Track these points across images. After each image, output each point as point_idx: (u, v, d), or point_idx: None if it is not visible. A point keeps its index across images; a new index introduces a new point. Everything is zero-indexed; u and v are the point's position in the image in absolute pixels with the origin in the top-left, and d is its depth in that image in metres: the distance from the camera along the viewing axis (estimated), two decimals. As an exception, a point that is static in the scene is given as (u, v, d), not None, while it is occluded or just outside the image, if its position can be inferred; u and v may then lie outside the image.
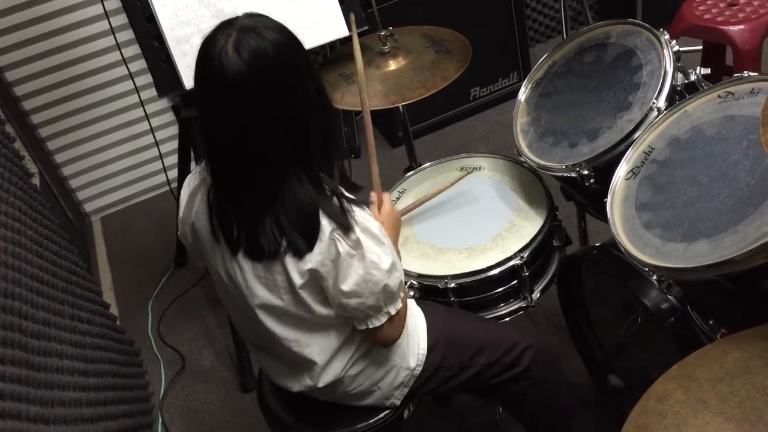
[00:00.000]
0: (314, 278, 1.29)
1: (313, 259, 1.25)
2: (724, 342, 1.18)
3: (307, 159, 1.25)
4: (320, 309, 1.34)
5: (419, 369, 1.53)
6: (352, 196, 1.31)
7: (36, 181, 2.62)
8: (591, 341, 1.96)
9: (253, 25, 1.17)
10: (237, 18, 1.20)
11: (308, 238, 1.25)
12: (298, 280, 1.28)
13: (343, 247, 1.25)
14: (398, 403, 1.54)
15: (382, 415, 1.54)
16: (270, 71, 1.17)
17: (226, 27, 1.18)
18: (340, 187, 1.32)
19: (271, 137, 1.21)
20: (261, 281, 1.31)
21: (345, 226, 1.25)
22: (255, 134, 1.20)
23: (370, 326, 1.35)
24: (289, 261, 1.26)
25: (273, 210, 1.24)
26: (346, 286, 1.28)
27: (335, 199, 1.27)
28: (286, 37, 1.20)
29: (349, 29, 1.82)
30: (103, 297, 2.50)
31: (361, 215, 1.28)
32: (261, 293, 1.32)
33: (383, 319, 1.35)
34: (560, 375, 1.72)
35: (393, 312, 1.36)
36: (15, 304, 1.61)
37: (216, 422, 2.38)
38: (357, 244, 1.26)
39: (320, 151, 1.29)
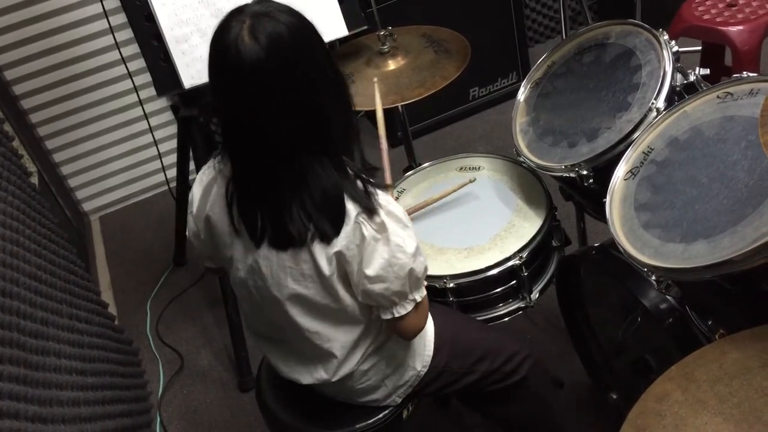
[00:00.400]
0: (340, 263, 1.28)
1: (339, 243, 1.24)
2: (723, 342, 1.18)
3: (328, 143, 1.24)
4: (346, 297, 1.33)
5: (424, 370, 1.53)
6: (374, 180, 1.30)
7: (35, 180, 2.62)
8: (590, 341, 1.96)
9: (265, 10, 1.16)
10: (247, 5, 1.18)
11: (335, 223, 1.24)
12: (325, 267, 1.27)
13: (368, 230, 1.24)
14: (399, 401, 1.54)
15: (381, 415, 1.54)
16: (287, 54, 1.16)
17: (237, 14, 1.16)
18: (362, 172, 1.31)
19: (291, 122, 1.19)
20: (287, 271, 1.29)
21: (370, 209, 1.24)
22: (275, 121, 1.19)
23: (396, 315, 1.33)
24: (317, 247, 1.25)
25: (299, 196, 1.23)
26: (371, 271, 1.26)
27: (359, 182, 1.26)
28: (299, 20, 1.18)
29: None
30: (102, 296, 2.49)
31: (384, 198, 1.27)
32: (288, 283, 1.31)
33: (409, 307, 1.34)
34: (551, 388, 1.74)
35: (419, 299, 1.34)
36: (13, 303, 1.61)
37: (214, 422, 2.38)
38: (382, 227, 1.25)
39: (341, 134, 1.27)
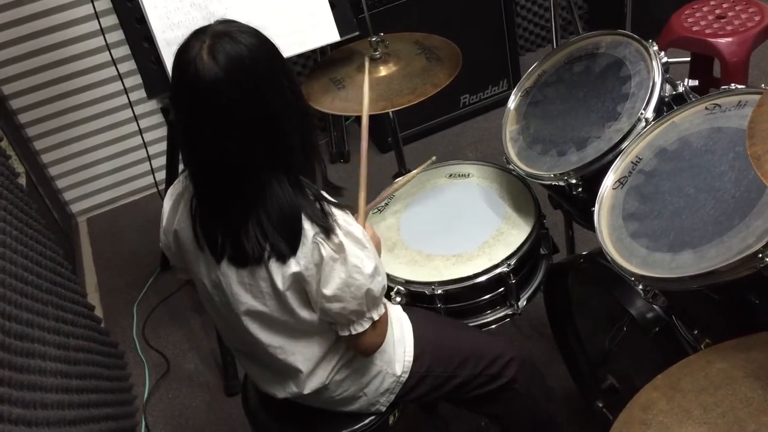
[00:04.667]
0: (298, 282, 1.28)
1: (297, 263, 1.25)
2: (709, 352, 1.19)
3: (286, 163, 1.25)
4: (304, 313, 1.33)
5: (405, 376, 1.53)
6: (334, 200, 1.31)
7: (22, 180, 2.60)
8: (576, 349, 1.96)
9: (227, 30, 1.18)
10: (210, 25, 1.20)
11: (291, 242, 1.24)
12: (281, 285, 1.28)
13: (326, 250, 1.25)
14: (384, 409, 1.54)
15: (367, 421, 1.54)
16: (246, 75, 1.17)
17: (199, 34, 1.18)
18: (322, 192, 1.32)
19: (250, 142, 1.20)
20: (245, 288, 1.31)
21: (327, 229, 1.25)
22: (233, 140, 1.19)
23: (353, 332, 1.34)
24: (273, 266, 1.26)
25: (255, 215, 1.24)
26: (328, 291, 1.27)
27: (317, 203, 1.27)
28: (260, 41, 1.20)
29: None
30: (88, 299, 2.48)
31: (343, 219, 1.28)
32: (246, 299, 1.32)
33: (366, 325, 1.35)
34: (543, 388, 1.73)
35: (376, 317, 1.36)
36: (-2, 305, 1.60)
37: (200, 426, 2.37)
38: (340, 248, 1.26)
39: (300, 154, 1.28)
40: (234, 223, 1.25)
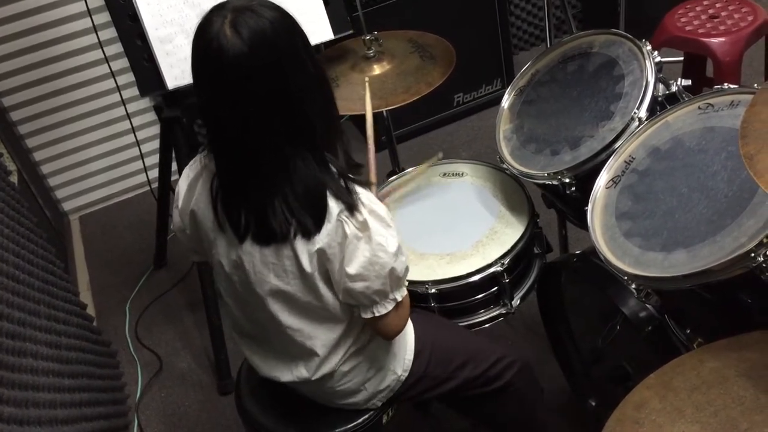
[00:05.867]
0: (321, 261, 1.27)
1: (321, 240, 1.24)
2: (701, 351, 1.19)
3: (310, 139, 1.24)
4: (328, 294, 1.33)
5: (405, 375, 1.53)
6: (357, 178, 1.30)
7: (14, 178, 2.59)
8: (569, 348, 1.97)
9: (247, 4, 1.16)
10: (229, 1, 1.18)
11: (317, 219, 1.24)
12: (307, 263, 1.27)
13: (350, 228, 1.24)
14: (380, 405, 1.54)
15: (361, 419, 1.53)
16: (269, 48, 1.15)
17: (219, 10, 1.16)
18: (345, 169, 1.31)
19: (273, 117, 1.19)
20: (269, 267, 1.29)
21: (352, 206, 1.24)
22: (257, 115, 1.18)
23: (377, 314, 1.33)
24: (299, 243, 1.25)
25: (281, 192, 1.23)
26: (352, 269, 1.26)
27: (342, 179, 1.26)
28: (282, 15, 1.18)
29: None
30: (80, 297, 2.47)
31: (367, 197, 1.27)
32: (270, 279, 1.30)
33: (389, 307, 1.33)
34: (537, 390, 1.74)
35: (399, 298, 1.34)
36: (-10, 304, 1.59)
37: (192, 425, 2.36)
38: (364, 226, 1.25)
39: (323, 131, 1.27)
40: (259, 200, 1.24)
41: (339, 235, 1.25)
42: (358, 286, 1.28)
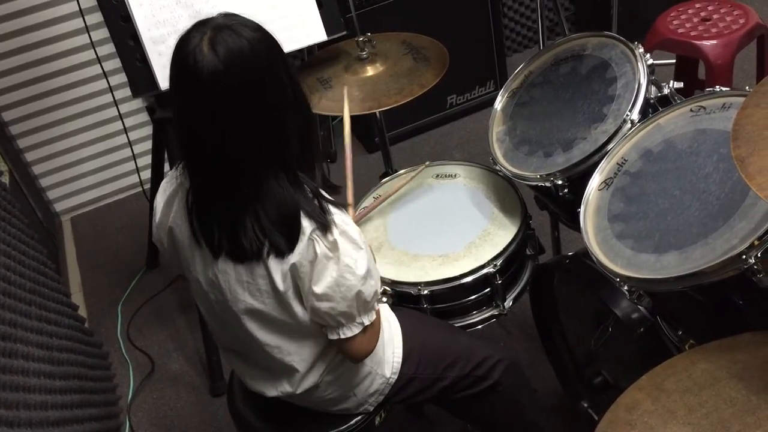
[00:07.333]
0: (294, 278, 1.27)
1: (293, 258, 1.24)
2: (693, 353, 1.20)
3: (285, 159, 1.24)
4: (302, 313, 1.32)
5: (394, 377, 1.53)
6: (332, 199, 1.30)
7: (5, 179, 2.58)
8: (562, 350, 1.97)
9: (229, 23, 1.16)
10: (212, 17, 1.18)
11: (289, 238, 1.23)
12: (280, 282, 1.27)
13: (320, 247, 1.24)
14: (371, 409, 1.54)
15: (353, 421, 1.53)
16: (246, 69, 1.16)
17: (200, 26, 1.17)
18: (320, 189, 1.31)
19: (248, 138, 1.19)
20: (243, 286, 1.29)
21: (324, 226, 1.24)
22: (231, 135, 1.18)
23: (342, 336, 1.33)
24: (272, 263, 1.25)
25: (253, 210, 1.23)
26: (318, 288, 1.26)
27: (315, 199, 1.27)
28: (262, 36, 1.18)
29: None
30: (72, 298, 2.46)
31: (341, 218, 1.27)
32: (244, 298, 1.31)
33: (356, 330, 1.33)
34: (528, 390, 1.74)
35: (367, 322, 1.34)
36: (-20, 305, 1.59)
37: (185, 427, 2.35)
38: (334, 246, 1.25)
39: (299, 151, 1.27)
40: (230, 217, 1.24)
41: (310, 253, 1.25)
42: (324, 306, 1.28)
